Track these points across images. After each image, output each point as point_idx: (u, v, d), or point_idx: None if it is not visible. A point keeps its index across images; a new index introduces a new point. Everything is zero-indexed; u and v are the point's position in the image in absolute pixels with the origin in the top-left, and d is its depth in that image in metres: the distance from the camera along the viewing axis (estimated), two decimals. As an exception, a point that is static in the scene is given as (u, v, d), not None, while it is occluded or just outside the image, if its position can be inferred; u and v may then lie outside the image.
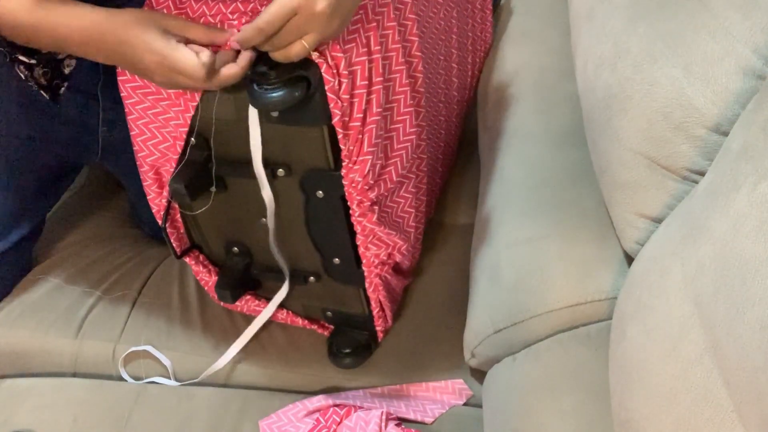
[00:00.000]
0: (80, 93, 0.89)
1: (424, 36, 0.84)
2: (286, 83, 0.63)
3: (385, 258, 0.82)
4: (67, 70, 0.81)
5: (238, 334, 0.95)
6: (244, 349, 0.95)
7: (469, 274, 0.89)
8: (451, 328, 0.92)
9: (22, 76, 0.80)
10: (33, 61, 0.79)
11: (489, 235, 0.84)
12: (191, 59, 0.63)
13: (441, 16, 0.91)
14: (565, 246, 0.75)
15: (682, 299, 0.52)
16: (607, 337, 0.66)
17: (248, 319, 0.98)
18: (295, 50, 0.62)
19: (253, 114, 0.68)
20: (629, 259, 0.70)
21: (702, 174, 0.60)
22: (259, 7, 0.68)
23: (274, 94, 0.63)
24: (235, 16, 0.68)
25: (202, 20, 0.68)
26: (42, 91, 0.82)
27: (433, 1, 0.88)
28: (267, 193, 0.75)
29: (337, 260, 0.83)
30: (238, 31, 0.64)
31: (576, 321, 0.72)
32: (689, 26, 0.60)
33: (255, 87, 0.64)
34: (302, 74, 0.63)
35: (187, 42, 0.65)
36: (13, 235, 0.95)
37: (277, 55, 0.63)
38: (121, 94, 0.74)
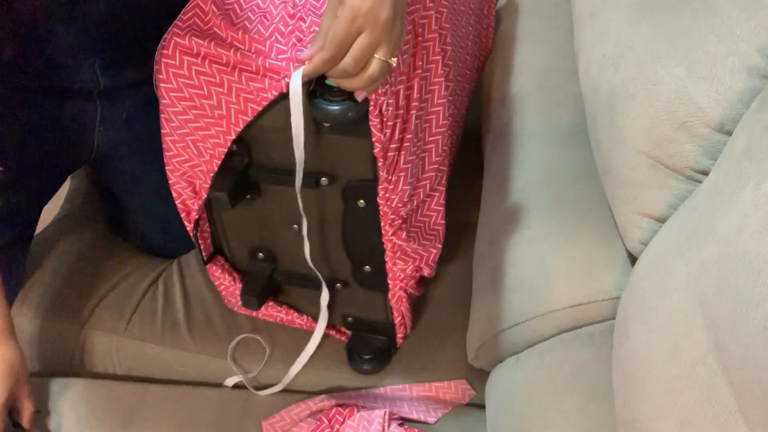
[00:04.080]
0: (78, 97, 0.88)
1: (453, 42, 0.85)
2: (349, 97, 0.64)
3: (410, 272, 0.83)
4: None
5: (240, 333, 0.96)
6: (248, 350, 0.95)
7: (472, 274, 0.89)
8: (455, 328, 0.92)
9: None
10: None
11: (492, 234, 0.84)
12: None
13: (463, 23, 0.92)
14: (569, 246, 0.75)
15: (685, 299, 0.52)
16: (611, 337, 0.66)
17: (251, 321, 0.98)
18: (373, 69, 0.60)
19: (298, 123, 0.67)
20: (633, 259, 0.70)
21: (706, 173, 0.60)
22: (300, 34, 0.69)
23: (336, 107, 0.64)
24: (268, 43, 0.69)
25: (230, 40, 0.69)
26: None
27: (459, 10, 0.88)
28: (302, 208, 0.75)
29: (368, 268, 0.83)
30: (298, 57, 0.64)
31: (579, 321, 0.72)
32: (693, 25, 0.60)
33: (318, 98, 0.64)
34: None
35: None
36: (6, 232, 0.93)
37: (357, 82, 0.61)
38: (161, 100, 0.73)
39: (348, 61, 0.60)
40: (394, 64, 0.61)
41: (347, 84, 0.62)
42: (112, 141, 0.96)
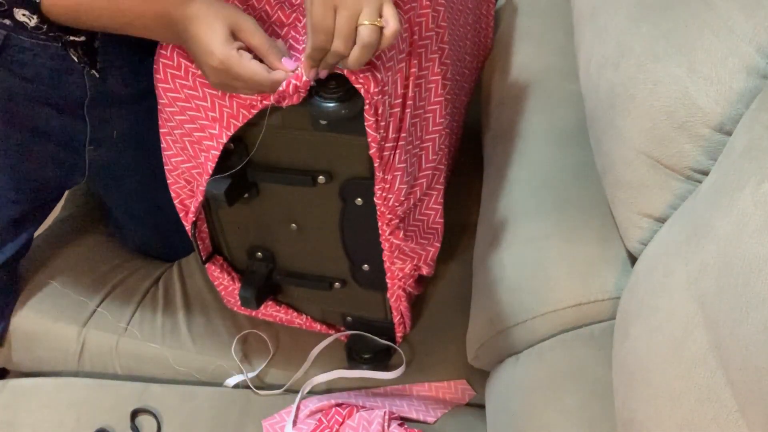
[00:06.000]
0: (66, 113, 0.87)
1: (451, 41, 0.85)
2: (345, 94, 0.64)
3: (409, 271, 0.83)
4: (96, 44, 0.83)
5: (239, 331, 0.96)
6: (249, 349, 0.95)
7: (472, 274, 0.89)
8: (455, 328, 0.92)
9: (75, 58, 0.81)
10: (83, 38, 0.80)
11: (492, 234, 0.84)
12: (260, 74, 0.63)
13: (461, 22, 0.92)
14: (569, 246, 0.75)
15: (685, 299, 0.52)
16: (611, 337, 0.66)
17: (251, 321, 0.98)
18: (363, 37, 0.59)
19: None
20: (632, 259, 0.70)
21: (705, 173, 0.60)
22: (296, 34, 0.69)
23: (332, 104, 0.64)
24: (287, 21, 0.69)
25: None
26: (91, 69, 0.84)
27: (457, 9, 0.88)
28: None
29: (366, 266, 0.83)
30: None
31: (579, 321, 0.72)
32: (693, 25, 0.60)
33: (314, 96, 0.65)
34: (358, 87, 0.65)
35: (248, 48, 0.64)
36: None
37: (356, 57, 0.60)
38: (159, 100, 0.73)
39: (337, 43, 0.59)
40: (383, 24, 0.60)
41: (350, 63, 0.62)
42: (104, 161, 0.95)
